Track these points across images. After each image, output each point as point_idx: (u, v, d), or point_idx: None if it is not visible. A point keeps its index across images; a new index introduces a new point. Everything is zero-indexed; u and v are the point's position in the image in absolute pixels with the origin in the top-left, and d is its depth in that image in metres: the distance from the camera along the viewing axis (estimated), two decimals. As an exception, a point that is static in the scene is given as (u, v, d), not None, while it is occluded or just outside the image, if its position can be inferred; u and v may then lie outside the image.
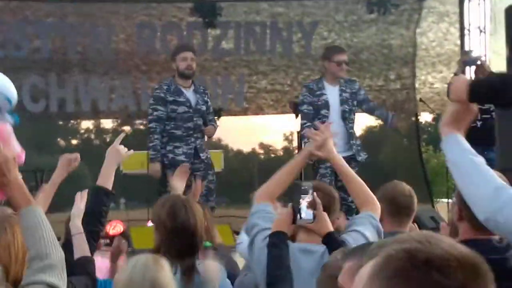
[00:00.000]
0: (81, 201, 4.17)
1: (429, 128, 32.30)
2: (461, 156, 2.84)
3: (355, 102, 8.89)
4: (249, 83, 12.31)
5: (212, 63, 12.17)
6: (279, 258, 3.64)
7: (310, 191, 3.75)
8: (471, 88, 2.91)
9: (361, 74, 12.19)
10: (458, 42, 12.59)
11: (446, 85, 10.89)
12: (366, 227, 4.02)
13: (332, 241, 3.71)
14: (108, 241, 5.76)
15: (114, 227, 6.26)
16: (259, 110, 12.52)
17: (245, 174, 40.82)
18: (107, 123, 40.61)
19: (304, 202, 3.73)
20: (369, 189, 4.31)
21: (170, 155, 8.57)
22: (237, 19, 12.23)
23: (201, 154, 8.74)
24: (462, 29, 12.59)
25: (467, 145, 2.85)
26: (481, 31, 12.46)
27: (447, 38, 12.66)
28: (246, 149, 48.92)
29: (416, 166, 13.93)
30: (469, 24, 12.60)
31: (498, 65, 10.75)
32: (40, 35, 11.61)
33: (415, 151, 14.21)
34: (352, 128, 8.94)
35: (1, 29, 11.50)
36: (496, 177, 2.74)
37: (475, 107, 2.98)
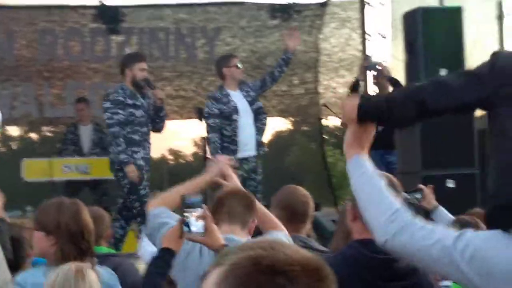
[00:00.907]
0: None
1: (337, 132, 32.61)
2: (361, 180, 2.86)
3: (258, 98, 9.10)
4: (154, 90, 12.23)
5: (116, 70, 12.07)
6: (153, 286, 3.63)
7: (200, 205, 3.69)
8: (360, 108, 2.93)
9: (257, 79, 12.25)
10: (360, 47, 12.76)
11: (350, 90, 11.05)
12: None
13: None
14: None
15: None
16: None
17: (155, 180, 40.51)
18: (13, 131, 39.89)
19: (193, 215, 3.66)
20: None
21: (123, 155, 8.53)
22: (140, 25, 12.19)
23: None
24: (363, 34, 12.79)
25: (368, 167, 2.87)
26: (382, 36, 12.69)
27: (349, 43, 12.83)
28: (156, 155, 48.61)
29: (322, 170, 14.09)
30: (371, 30, 12.82)
31: (398, 70, 10.94)
32: None
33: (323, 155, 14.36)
34: (264, 124, 9.16)
35: None
36: (394, 202, 2.77)
37: (372, 125, 2.99)
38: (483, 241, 2.66)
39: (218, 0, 12.52)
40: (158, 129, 9.08)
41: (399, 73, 10.48)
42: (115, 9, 11.92)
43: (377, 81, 10.77)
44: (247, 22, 12.43)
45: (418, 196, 5.54)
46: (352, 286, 3.35)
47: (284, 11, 12.36)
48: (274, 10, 12.36)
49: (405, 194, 5.18)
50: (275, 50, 12.37)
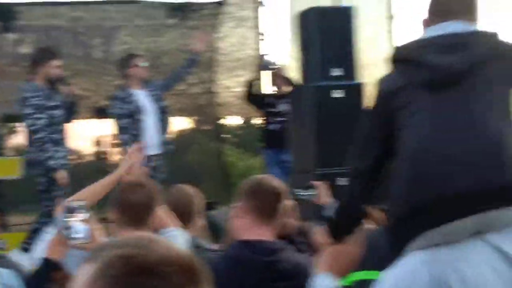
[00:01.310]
0: None
1: (239, 132, 32.67)
2: None
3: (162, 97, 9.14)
4: (49, 88, 12.08)
5: (11, 68, 11.86)
6: None
7: (83, 210, 3.51)
8: (328, 228, 3.17)
9: (162, 79, 12.23)
10: (256, 46, 12.84)
11: (245, 89, 11.12)
12: None
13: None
14: None
15: None
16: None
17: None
18: None
19: (75, 221, 3.49)
20: None
21: (52, 161, 8.39)
22: (35, 23, 11.99)
23: None
24: (260, 34, 12.86)
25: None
26: (277, 36, 12.80)
27: (246, 43, 12.88)
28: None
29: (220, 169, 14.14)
30: (267, 29, 12.90)
31: (294, 70, 11.05)
32: None
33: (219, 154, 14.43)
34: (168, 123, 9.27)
35: None
36: None
37: (354, 247, 3.13)
38: None
39: (115, -1, 12.42)
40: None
41: (296, 73, 10.59)
42: (9, 7, 11.70)
43: (274, 80, 10.89)
44: (144, 21, 12.36)
45: (311, 193, 5.60)
46: (232, 286, 3.38)
47: (181, 10, 12.34)
48: (171, 9, 12.33)
49: (298, 191, 5.25)
50: (172, 49, 12.36)
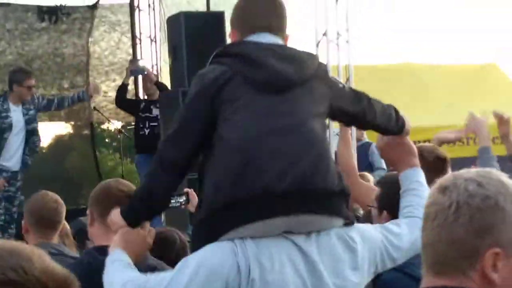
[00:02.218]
0: None
1: (119, 136, 32.29)
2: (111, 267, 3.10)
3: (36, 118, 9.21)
4: None
5: None
6: None
7: None
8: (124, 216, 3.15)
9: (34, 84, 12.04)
10: (130, 51, 12.77)
11: (118, 94, 11.02)
12: None
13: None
14: None
15: None
16: None
17: None
18: None
19: None
20: None
21: None
22: None
23: None
24: (133, 38, 12.79)
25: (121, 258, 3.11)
26: (152, 40, 12.73)
27: (120, 47, 12.79)
28: None
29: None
30: (140, 33, 12.82)
31: (167, 74, 11.02)
32: None
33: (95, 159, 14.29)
34: (37, 146, 9.43)
35: None
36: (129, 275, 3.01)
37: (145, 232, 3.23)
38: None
39: (-17, 1, 12.12)
40: None
41: (168, 77, 10.56)
42: None
43: (144, 85, 10.85)
44: (14, 24, 12.09)
45: (182, 200, 5.60)
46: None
47: (52, 14, 12.13)
48: (42, 12, 12.10)
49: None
50: (43, 54, 12.15)
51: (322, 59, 10.05)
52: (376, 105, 3.26)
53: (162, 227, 5.77)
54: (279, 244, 2.87)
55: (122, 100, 10.90)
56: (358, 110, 3.18)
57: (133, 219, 3.15)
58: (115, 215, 3.19)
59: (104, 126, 23.68)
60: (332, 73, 9.62)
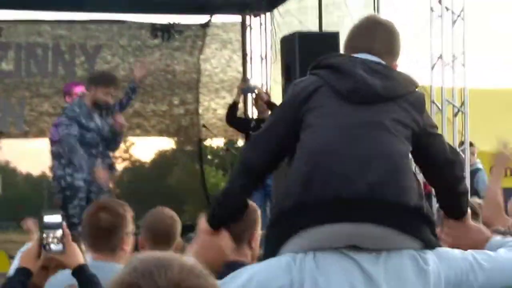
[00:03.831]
0: None
1: (221, 153, 32.70)
2: None
3: None
4: (30, 106, 12.03)
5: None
6: None
7: (60, 225, 3.52)
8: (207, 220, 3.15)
9: (144, 99, 12.23)
10: (241, 69, 12.85)
11: (228, 111, 11.08)
12: None
13: (82, 275, 3.62)
14: None
15: None
16: (41, 134, 12.18)
17: (34, 197, 40.01)
18: None
19: (51, 233, 3.51)
20: None
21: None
22: (17, 40, 11.95)
23: None
24: (244, 56, 12.87)
25: None
26: (262, 59, 12.78)
27: (230, 65, 12.90)
28: (36, 172, 47.92)
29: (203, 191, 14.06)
30: (251, 52, 12.89)
31: (277, 93, 11.03)
32: None
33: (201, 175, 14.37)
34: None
35: None
36: None
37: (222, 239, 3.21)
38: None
39: (99, 18, 12.38)
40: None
41: (278, 96, 10.56)
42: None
43: (256, 104, 10.86)
44: (128, 40, 12.33)
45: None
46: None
47: (165, 31, 12.36)
48: (155, 29, 12.34)
49: None
50: (155, 70, 12.33)
51: (436, 82, 9.86)
52: (459, 172, 3.11)
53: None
54: (341, 264, 2.77)
55: (233, 117, 10.93)
56: (444, 162, 3.02)
57: (213, 223, 3.15)
58: (203, 219, 3.20)
59: (207, 143, 23.99)
60: (446, 96, 9.46)
